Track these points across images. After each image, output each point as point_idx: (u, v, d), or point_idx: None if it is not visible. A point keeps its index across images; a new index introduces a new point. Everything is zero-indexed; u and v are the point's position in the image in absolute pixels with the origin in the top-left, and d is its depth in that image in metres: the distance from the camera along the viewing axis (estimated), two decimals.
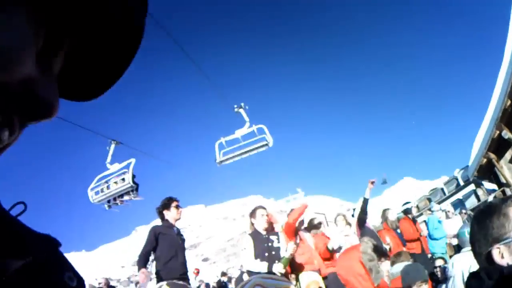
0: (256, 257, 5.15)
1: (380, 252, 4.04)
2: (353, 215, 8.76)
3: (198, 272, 15.87)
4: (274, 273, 4.88)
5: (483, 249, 1.21)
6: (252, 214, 5.50)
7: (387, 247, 7.55)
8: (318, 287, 5.62)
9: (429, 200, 18.87)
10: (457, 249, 4.96)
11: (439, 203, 17.79)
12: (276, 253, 5.29)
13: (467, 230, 4.46)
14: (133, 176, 6.59)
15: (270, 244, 5.28)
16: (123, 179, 6.52)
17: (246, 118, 7.72)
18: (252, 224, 5.56)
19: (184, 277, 5.26)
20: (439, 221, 11.01)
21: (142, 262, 5.10)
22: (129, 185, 6.49)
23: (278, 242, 5.42)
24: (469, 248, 3.96)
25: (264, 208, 5.55)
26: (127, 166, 6.63)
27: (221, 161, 7.68)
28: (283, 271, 4.94)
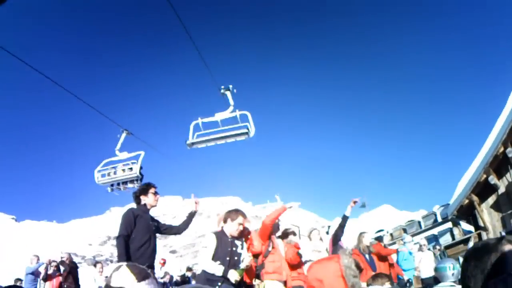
0: (216, 259, 5.00)
1: (360, 270, 3.89)
2: (327, 232, 8.84)
3: (164, 263, 15.76)
4: (228, 279, 4.76)
5: (478, 284, 1.29)
6: (230, 216, 5.27)
7: None
8: None
9: (405, 230, 18.90)
10: (434, 282, 4.93)
11: (414, 235, 17.87)
12: (238, 259, 5.18)
13: (448, 265, 4.47)
14: (141, 168, 6.89)
15: (234, 249, 5.15)
16: (131, 169, 6.79)
17: (231, 102, 6.94)
18: (222, 224, 5.39)
19: (152, 265, 5.19)
20: (410, 253, 11.02)
21: (123, 244, 4.89)
22: (136, 175, 6.76)
23: (242, 248, 5.30)
24: (449, 283, 3.88)
25: (245, 217, 5.36)
26: (136, 157, 6.92)
27: (193, 143, 6.79)
28: (237, 279, 4.80)
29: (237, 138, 6.79)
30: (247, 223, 5.58)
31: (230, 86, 7.03)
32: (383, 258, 8.31)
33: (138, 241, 5.00)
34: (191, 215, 5.89)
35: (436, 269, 4.81)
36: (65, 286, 10.58)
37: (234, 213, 5.28)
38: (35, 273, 10.89)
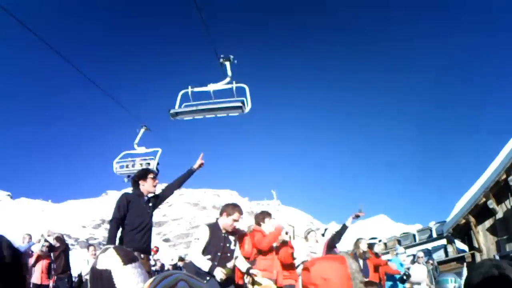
0: (207, 252, 4.97)
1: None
2: (323, 235, 8.80)
3: (157, 251, 15.53)
4: (213, 276, 4.73)
5: None
6: (227, 210, 5.22)
7: None
8: None
9: (399, 242, 18.98)
10: None
11: (408, 248, 17.97)
12: (230, 255, 5.16)
13: (450, 278, 4.63)
14: (157, 164, 6.94)
15: (227, 244, 5.15)
16: (148, 163, 6.84)
17: (229, 73, 6.16)
18: (218, 217, 5.33)
19: (147, 250, 5.15)
20: (401, 264, 11.14)
21: (115, 227, 4.92)
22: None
23: (234, 245, 5.28)
24: None
25: (241, 213, 5.30)
26: (154, 153, 6.99)
27: (177, 113, 5.94)
28: (223, 278, 4.76)
29: (230, 113, 5.97)
30: (240, 219, 5.33)
31: (231, 57, 6.26)
32: (376, 266, 8.38)
33: (130, 225, 4.97)
34: (190, 172, 5.62)
35: (437, 282, 4.97)
36: (54, 266, 10.28)
37: (232, 208, 5.19)
38: (25, 253, 10.23)
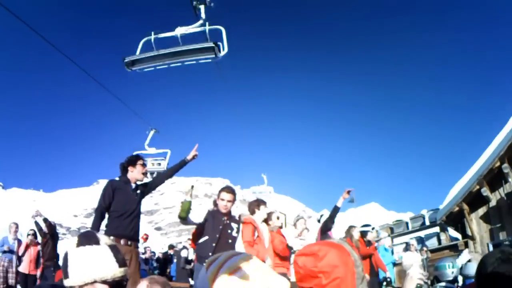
0: (205, 233, 5.01)
1: None
2: (319, 221, 8.69)
3: (146, 238, 15.42)
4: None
5: None
6: (218, 193, 5.34)
7: None
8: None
9: (392, 229, 18.99)
10: (436, 281, 5.24)
11: (401, 235, 18.02)
12: (232, 242, 5.13)
13: (448, 263, 4.76)
14: (168, 164, 7.10)
15: (229, 231, 5.15)
16: (159, 164, 7.05)
17: (203, 15, 4.99)
18: (216, 204, 5.47)
19: (134, 237, 4.99)
20: (386, 249, 11.11)
21: (99, 216, 4.81)
22: (163, 170, 6.89)
23: (237, 232, 5.25)
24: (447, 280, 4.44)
25: (230, 193, 5.31)
26: (164, 154, 7.20)
27: (133, 62, 4.91)
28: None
29: (200, 56, 4.78)
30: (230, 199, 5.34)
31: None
32: (366, 255, 8.38)
33: (116, 211, 4.84)
34: (183, 163, 5.49)
35: (436, 268, 5.06)
36: (42, 251, 9.92)
37: (221, 190, 5.31)
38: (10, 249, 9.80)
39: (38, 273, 9.77)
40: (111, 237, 4.57)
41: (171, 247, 16.65)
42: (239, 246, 5.30)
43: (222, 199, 5.21)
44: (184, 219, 5.12)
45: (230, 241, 5.09)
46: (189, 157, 5.48)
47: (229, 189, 5.36)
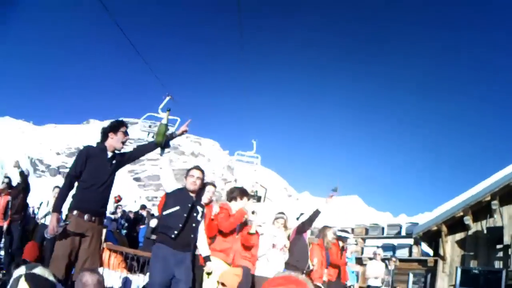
0: (171, 206, 4.74)
1: None
2: (297, 218, 8.43)
3: (119, 200, 14.99)
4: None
5: None
6: (187, 173, 5.08)
7: (312, 267, 7.38)
8: (238, 282, 5.29)
9: (367, 230, 19.05)
10: None
11: (374, 239, 18.09)
12: (196, 226, 4.86)
13: None
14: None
15: (195, 214, 4.85)
16: (168, 129, 7.24)
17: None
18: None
19: (100, 212, 4.68)
20: (349, 259, 11.01)
21: (68, 185, 4.46)
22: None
23: (201, 217, 5.00)
24: None
25: (201, 171, 5.13)
26: (173, 121, 7.25)
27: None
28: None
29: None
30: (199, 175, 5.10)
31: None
32: (335, 259, 8.31)
33: (84, 182, 4.49)
34: (171, 137, 5.19)
35: None
36: (12, 203, 9.39)
37: (188, 170, 5.10)
38: None
39: (5, 226, 9.22)
40: (75, 212, 4.42)
41: (143, 207, 16.28)
42: (202, 232, 5.07)
43: (192, 176, 4.98)
44: (161, 144, 4.89)
45: (193, 224, 4.81)
46: (178, 132, 5.24)
47: (198, 168, 5.18)
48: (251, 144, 11.18)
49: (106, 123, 5.23)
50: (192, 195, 4.90)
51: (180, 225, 4.58)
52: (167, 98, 7.45)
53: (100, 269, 6.13)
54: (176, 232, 4.56)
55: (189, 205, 4.76)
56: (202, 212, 5.00)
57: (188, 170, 5.09)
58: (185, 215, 4.65)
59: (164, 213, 4.77)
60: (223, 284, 5.10)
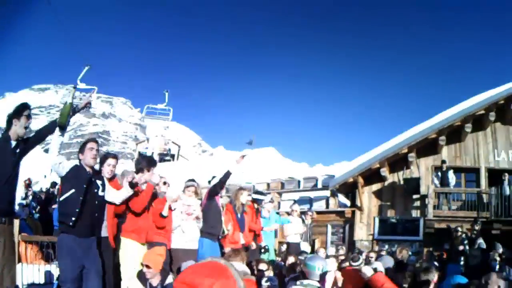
0: (70, 188, 4.42)
1: None
2: (209, 182, 8.11)
3: (29, 184, 14.29)
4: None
5: None
6: (83, 147, 4.72)
7: (226, 232, 7.14)
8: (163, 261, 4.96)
9: (282, 184, 18.98)
10: (302, 276, 5.37)
11: (291, 192, 18.04)
12: (98, 203, 4.64)
13: (318, 266, 5.02)
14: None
15: (95, 190, 4.59)
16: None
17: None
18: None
19: (8, 211, 4.24)
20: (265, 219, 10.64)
21: None
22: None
23: (103, 191, 4.74)
24: (315, 281, 4.92)
25: (97, 142, 4.91)
26: (90, 90, 6.45)
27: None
28: None
29: None
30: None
31: None
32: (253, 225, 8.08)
33: None
34: (73, 112, 4.78)
35: (305, 265, 5.22)
36: None
37: (84, 143, 4.80)
38: None
39: None
40: None
41: (53, 184, 14.63)
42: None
43: (91, 148, 4.68)
44: (63, 126, 4.56)
45: (96, 202, 4.59)
46: (81, 105, 4.98)
47: (95, 140, 4.99)
48: (163, 96, 10.58)
49: (23, 93, 3.94)
50: (89, 169, 4.65)
51: (77, 210, 4.33)
52: (86, 68, 6.82)
53: (18, 266, 6.02)
54: (73, 218, 4.31)
55: (84, 185, 4.48)
56: (103, 184, 4.76)
57: (84, 144, 4.78)
58: (80, 197, 4.40)
59: (60, 199, 4.55)
60: (147, 266, 4.81)
